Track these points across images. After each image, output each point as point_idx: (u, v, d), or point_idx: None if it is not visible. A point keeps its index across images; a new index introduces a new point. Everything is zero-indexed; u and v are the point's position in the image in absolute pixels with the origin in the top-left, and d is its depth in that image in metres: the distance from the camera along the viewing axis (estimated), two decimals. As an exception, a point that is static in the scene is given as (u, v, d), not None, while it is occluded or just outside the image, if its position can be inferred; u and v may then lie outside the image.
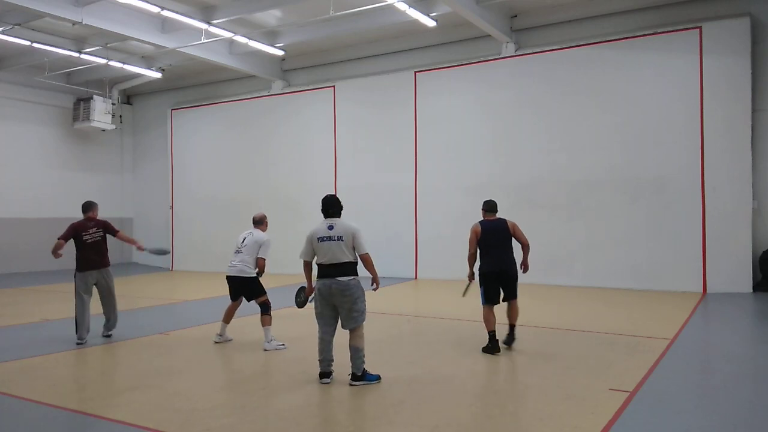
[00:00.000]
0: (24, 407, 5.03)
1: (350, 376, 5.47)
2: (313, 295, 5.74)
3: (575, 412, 4.69)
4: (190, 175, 18.15)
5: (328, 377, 5.61)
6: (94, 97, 17.31)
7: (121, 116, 18.83)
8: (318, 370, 5.64)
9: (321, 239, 5.58)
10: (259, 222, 7.56)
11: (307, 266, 5.81)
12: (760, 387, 5.62)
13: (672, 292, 11.26)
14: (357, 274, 5.56)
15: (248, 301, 7.38)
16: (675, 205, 11.64)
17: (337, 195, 5.97)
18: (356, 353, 5.46)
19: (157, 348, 7.29)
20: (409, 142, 14.49)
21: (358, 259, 5.62)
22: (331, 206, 5.69)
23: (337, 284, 5.45)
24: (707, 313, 9.67)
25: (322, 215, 5.72)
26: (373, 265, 5.65)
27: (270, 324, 7.14)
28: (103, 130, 18.08)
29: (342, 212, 5.74)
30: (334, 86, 15.61)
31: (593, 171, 12.45)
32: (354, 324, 5.53)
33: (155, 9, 11.68)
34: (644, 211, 11.92)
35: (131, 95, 20.13)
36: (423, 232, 14.34)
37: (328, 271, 5.50)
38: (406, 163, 14.52)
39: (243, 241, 7.35)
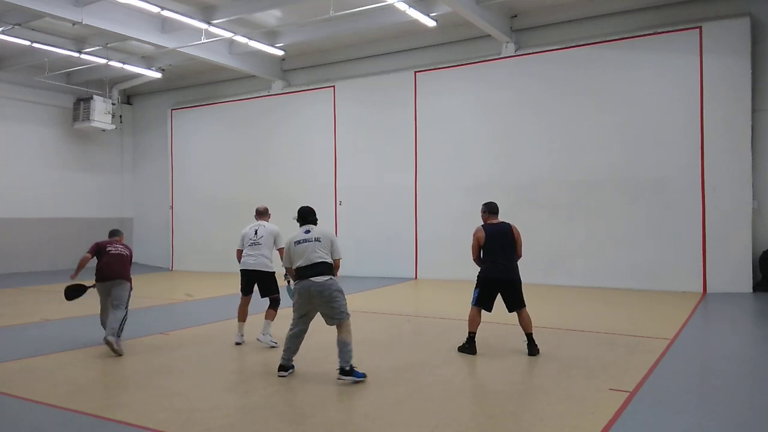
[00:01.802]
0: (24, 407, 5.03)
1: (338, 371, 5.53)
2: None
3: (575, 412, 4.69)
4: (190, 175, 18.14)
5: (286, 371, 5.79)
6: (94, 97, 17.31)
7: (121, 116, 18.82)
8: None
9: (298, 242, 5.85)
10: (264, 213, 7.57)
11: (290, 272, 6.05)
12: (760, 387, 5.62)
13: (672, 292, 11.26)
14: (333, 275, 5.76)
15: (262, 296, 7.35)
16: (675, 205, 11.64)
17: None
18: (344, 347, 5.54)
19: (157, 348, 7.29)
20: (409, 142, 14.49)
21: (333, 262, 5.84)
22: (309, 215, 6.10)
23: (314, 286, 5.63)
24: (707, 313, 9.68)
25: (299, 225, 6.06)
26: (338, 270, 5.93)
27: (273, 319, 7.17)
28: (103, 130, 18.08)
29: (318, 222, 6.13)
30: (334, 86, 15.60)
31: (593, 171, 12.45)
32: (338, 320, 5.64)
33: (155, 9, 11.68)
34: (644, 211, 11.92)
35: (131, 95, 20.12)
36: (423, 232, 14.33)
37: (305, 272, 5.69)
38: (406, 163, 14.51)
39: (257, 234, 7.30)
